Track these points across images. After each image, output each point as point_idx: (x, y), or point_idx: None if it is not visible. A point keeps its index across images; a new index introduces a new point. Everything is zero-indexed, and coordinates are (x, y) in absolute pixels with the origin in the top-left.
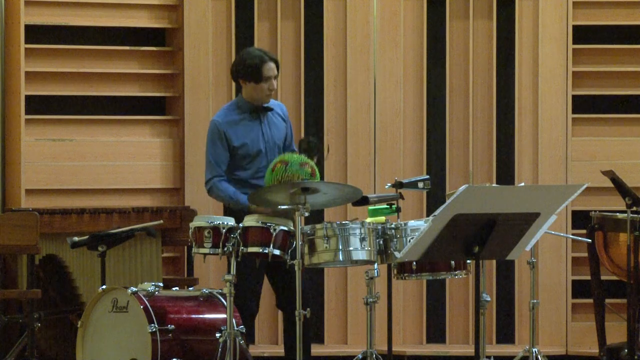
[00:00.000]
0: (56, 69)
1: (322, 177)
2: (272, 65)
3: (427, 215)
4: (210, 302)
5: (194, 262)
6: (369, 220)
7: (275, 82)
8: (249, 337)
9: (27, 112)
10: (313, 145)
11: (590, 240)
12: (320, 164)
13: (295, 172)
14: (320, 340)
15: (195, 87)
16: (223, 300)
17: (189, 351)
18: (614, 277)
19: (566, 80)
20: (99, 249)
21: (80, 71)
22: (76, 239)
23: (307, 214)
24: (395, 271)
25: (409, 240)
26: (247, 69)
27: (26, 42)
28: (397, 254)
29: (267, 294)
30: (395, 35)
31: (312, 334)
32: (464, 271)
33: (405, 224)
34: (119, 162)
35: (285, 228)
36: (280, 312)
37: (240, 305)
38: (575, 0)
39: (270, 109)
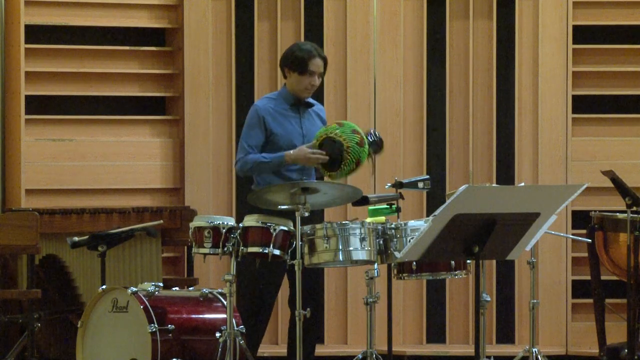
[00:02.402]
0: (56, 69)
1: (369, 157)
2: (319, 61)
3: (427, 215)
4: (210, 302)
5: (194, 262)
6: (369, 220)
7: (319, 80)
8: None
9: (27, 112)
10: (375, 140)
11: (590, 240)
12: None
13: (345, 134)
14: (320, 340)
15: (195, 87)
16: (223, 300)
17: (189, 351)
18: (614, 277)
19: (566, 80)
20: (99, 249)
21: (80, 71)
22: (76, 239)
23: (307, 214)
24: (395, 271)
25: (409, 240)
26: (295, 59)
27: (26, 42)
28: (397, 254)
29: None
30: (395, 35)
31: (316, 334)
32: (464, 271)
33: (405, 224)
34: (119, 162)
35: (285, 228)
36: (280, 312)
37: (258, 303)
38: (575, 0)
39: (312, 105)
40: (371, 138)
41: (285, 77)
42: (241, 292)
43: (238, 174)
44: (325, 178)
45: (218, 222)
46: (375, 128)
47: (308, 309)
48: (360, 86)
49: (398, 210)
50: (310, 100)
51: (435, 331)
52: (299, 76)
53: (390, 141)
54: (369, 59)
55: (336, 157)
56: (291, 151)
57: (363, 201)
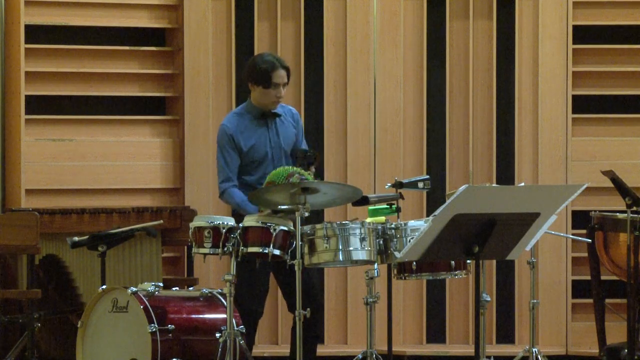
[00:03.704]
0: (56, 69)
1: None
2: (282, 72)
3: (427, 215)
4: (210, 302)
5: (194, 262)
6: (369, 220)
7: (284, 90)
8: (251, 339)
9: (27, 112)
10: (310, 155)
11: (590, 240)
12: (317, 171)
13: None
14: (320, 340)
15: (195, 87)
16: (223, 300)
17: (189, 351)
18: (614, 277)
19: (566, 80)
20: (99, 249)
21: (80, 71)
22: (76, 239)
23: (307, 214)
24: (395, 271)
25: (409, 240)
26: (258, 73)
27: (26, 42)
28: (397, 254)
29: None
30: (395, 35)
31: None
32: (464, 271)
33: (405, 224)
34: (119, 162)
35: (285, 228)
36: (280, 312)
37: (245, 308)
38: (575, 0)
39: (279, 115)
40: (309, 154)
41: (249, 91)
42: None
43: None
44: None
45: (218, 222)
46: (307, 147)
47: (308, 309)
48: (360, 86)
49: (398, 210)
50: (276, 110)
51: (435, 331)
52: (263, 90)
53: (390, 141)
54: (369, 59)
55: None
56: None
57: (363, 201)
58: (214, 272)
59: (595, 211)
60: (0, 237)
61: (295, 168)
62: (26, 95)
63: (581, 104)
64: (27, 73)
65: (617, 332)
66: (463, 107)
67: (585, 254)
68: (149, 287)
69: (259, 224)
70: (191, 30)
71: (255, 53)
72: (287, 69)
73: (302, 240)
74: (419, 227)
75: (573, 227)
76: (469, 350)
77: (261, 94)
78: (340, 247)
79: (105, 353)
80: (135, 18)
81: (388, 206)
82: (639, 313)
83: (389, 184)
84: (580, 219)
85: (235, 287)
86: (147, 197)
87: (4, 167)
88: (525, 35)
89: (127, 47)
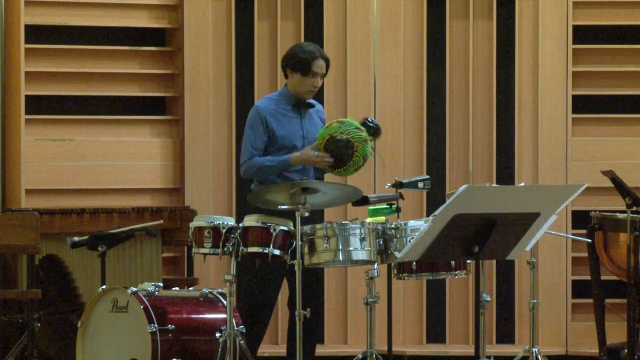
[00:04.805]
0: (56, 69)
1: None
2: (322, 63)
3: (427, 215)
4: (210, 302)
5: (194, 262)
6: (369, 220)
7: (321, 81)
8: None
9: (27, 112)
10: (373, 126)
11: (590, 240)
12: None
13: (351, 131)
14: (320, 340)
15: (195, 87)
16: (223, 300)
17: (189, 351)
18: (614, 277)
19: (566, 80)
20: (99, 249)
21: (80, 71)
22: (76, 239)
23: (307, 214)
24: (395, 271)
25: (409, 240)
26: (298, 60)
27: (26, 42)
28: (397, 254)
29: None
30: (395, 35)
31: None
32: (464, 271)
33: (405, 224)
34: (119, 162)
35: (285, 228)
36: (280, 312)
37: (258, 301)
38: (575, 0)
39: (312, 106)
40: (371, 125)
41: (286, 77)
42: (240, 292)
43: (243, 177)
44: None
45: (218, 222)
46: (371, 116)
47: (308, 309)
48: (360, 86)
49: (398, 210)
50: (311, 100)
51: (435, 331)
52: (301, 77)
53: (390, 141)
54: (369, 59)
55: (343, 155)
56: (296, 153)
57: (363, 201)
58: (214, 272)
59: (595, 211)
60: (0, 237)
61: (363, 128)
62: (26, 95)
63: (581, 104)
64: (27, 73)
65: (617, 332)
66: (463, 107)
67: (585, 254)
68: (149, 287)
69: (259, 224)
70: (191, 30)
71: (255, 53)
72: (327, 60)
73: (302, 240)
74: (419, 227)
75: (573, 227)
76: (469, 350)
77: (299, 81)
78: (340, 247)
79: (105, 353)
80: (135, 18)
81: (388, 206)
82: (639, 313)
83: (389, 184)
84: (580, 219)
85: (249, 283)
86: (147, 197)
87: (4, 167)
88: (525, 35)
89: (127, 47)
